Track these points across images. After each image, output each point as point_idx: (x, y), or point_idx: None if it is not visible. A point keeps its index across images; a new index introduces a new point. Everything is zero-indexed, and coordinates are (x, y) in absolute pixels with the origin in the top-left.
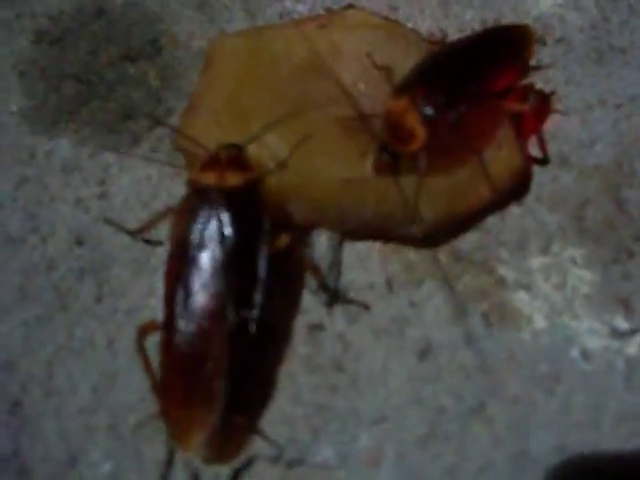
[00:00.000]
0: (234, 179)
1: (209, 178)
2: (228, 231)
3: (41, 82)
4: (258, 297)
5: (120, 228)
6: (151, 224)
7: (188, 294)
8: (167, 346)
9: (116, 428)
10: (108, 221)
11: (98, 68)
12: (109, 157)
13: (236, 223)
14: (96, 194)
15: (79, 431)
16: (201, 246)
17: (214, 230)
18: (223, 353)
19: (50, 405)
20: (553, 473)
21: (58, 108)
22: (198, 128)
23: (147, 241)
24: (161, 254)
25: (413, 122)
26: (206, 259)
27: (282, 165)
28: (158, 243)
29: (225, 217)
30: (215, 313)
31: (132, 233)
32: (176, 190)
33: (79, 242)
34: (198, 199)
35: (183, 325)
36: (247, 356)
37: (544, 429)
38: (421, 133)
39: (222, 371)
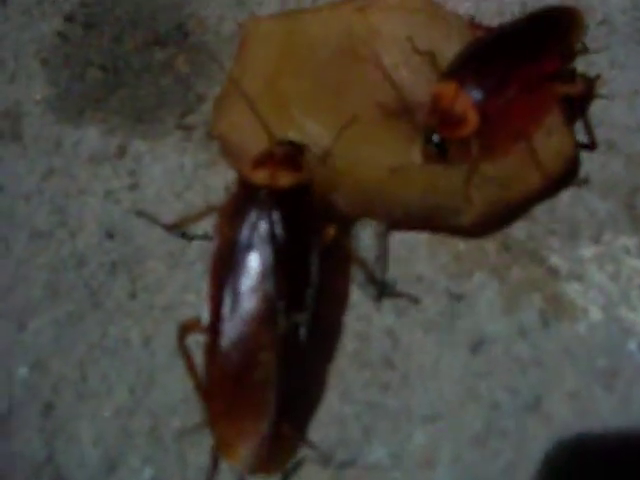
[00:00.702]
0: (287, 179)
1: (261, 177)
2: (279, 232)
3: (65, 70)
4: (310, 301)
5: (153, 221)
6: (189, 221)
7: (236, 297)
8: (213, 352)
9: (157, 431)
10: (140, 214)
11: (124, 54)
12: (140, 146)
13: (287, 224)
14: (126, 185)
15: (117, 435)
16: (250, 247)
17: (264, 231)
18: (273, 360)
19: (85, 408)
20: (614, 469)
21: (84, 96)
22: (234, 115)
23: (183, 234)
24: (197, 247)
25: (464, 106)
26: (255, 261)
27: (327, 153)
28: (194, 237)
29: (276, 217)
30: (265, 317)
31: (167, 227)
32: (211, 180)
33: (110, 235)
34: (248, 198)
35: (230, 330)
36: (298, 363)
37: (603, 425)
38: (473, 117)
39: (272, 379)
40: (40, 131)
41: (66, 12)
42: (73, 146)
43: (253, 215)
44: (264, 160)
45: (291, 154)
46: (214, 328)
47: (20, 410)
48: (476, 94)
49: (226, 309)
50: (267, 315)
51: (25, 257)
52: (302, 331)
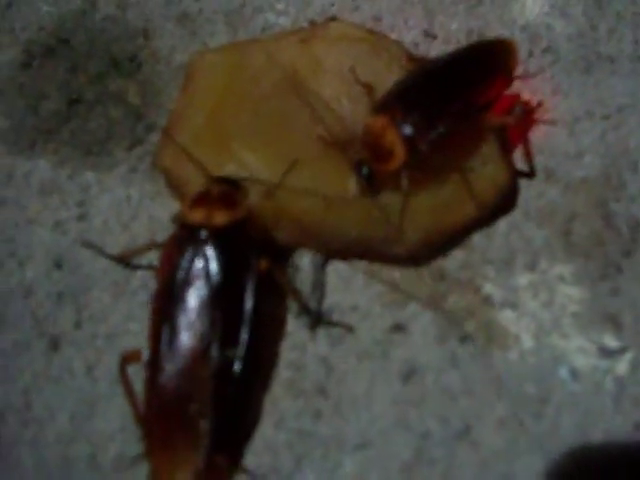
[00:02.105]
0: (222, 218)
1: (197, 216)
2: (214, 270)
3: (20, 101)
4: (244, 336)
5: (100, 252)
6: (133, 254)
7: (173, 332)
8: (151, 385)
9: (96, 458)
10: (87, 244)
11: (78, 86)
12: (89, 178)
13: (223, 262)
14: (75, 216)
15: (57, 461)
16: (187, 284)
17: (201, 268)
18: (208, 393)
19: (28, 434)
20: None
21: (37, 128)
22: (177, 147)
23: (127, 265)
24: (141, 277)
25: (392, 140)
26: (192, 297)
27: (270, 192)
28: (138, 267)
29: (212, 255)
30: (200, 352)
31: (112, 258)
32: (156, 211)
33: (58, 265)
34: (185, 236)
35: (168, 364)
36: (232, 395)
37: (531, 452)
38: (400, 152)
39: (207, 412)
40: None
41: (22, 43)
42: (24, 177)
43: (190, 253)
44: (200, 199)
45: (227, 192)
46: (153, 363)
47: None
48: (405, 128)
49: (164, 344)
50: (202, 350)
51: None
52: (236, 365)
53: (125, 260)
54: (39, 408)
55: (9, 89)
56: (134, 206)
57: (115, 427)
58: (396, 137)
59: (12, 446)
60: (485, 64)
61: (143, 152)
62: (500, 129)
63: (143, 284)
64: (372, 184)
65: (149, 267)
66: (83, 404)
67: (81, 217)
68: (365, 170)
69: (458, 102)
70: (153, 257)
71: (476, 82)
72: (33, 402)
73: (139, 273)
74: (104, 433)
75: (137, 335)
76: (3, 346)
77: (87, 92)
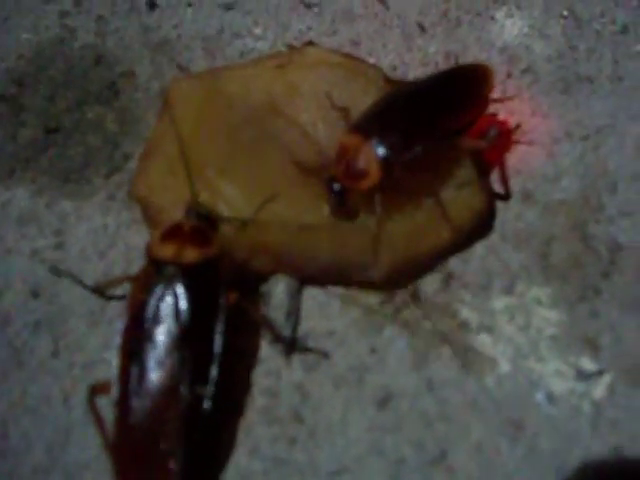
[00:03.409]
0: (193, 255)
1: (167, 251)
2: (184, 307)
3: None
4: (214, 374)
5: (77, 281)
6: (108, 285)
7: (142, 370)
8: (121, 424)
9: None
10: (62, 272)
11: (56, 114)
12: (66, 206)
13: (192, 299)
14: (52, 244)
15: None
16: (156, 320)
17: (170, 305)
18: (177, 432)
19: (4, 466)
20: None
21: (15, 156)
22: (153, 176)
23: (103, 295)
24: (116, 306)
25: (367, 160)
26: (161, 334)
27: (245, 224)
28: (113, 297)
29: (181, 292)
30: (169, 390)
31: (88, 288)
32: (132, 240)
33: (35, 295)
34: (155, 272)
35: (137, 403)
36: (202, 432)
37: (508, 477)
38: (375, 171)
39: (177, 450)
40: None
41: (1, 72)
42: (2, 207)
43: (159, 288)
44: (171, 233)
45: (199, 228)
46: (122, 401)
47: None
48: (380, 149)
49: (133, 383)
50: (171, 389)
51: None
52: (206, 404)
53: (101, 291)
54: (16, 439)
55: None
56: (111, 234)
57: (90, 456)
58: (371, 156)
59: None
60: (461, 88)
61: (121, 180)
62: (475, 152)
63: (119, 313)
64: (343, 202)
65: (124, 297)
66: (59, 434)
67: (58, 246)
68: (336, 187)
69: (434, 125)
70: (128, 287)
71: (452, 106)
72: (10, 433)
73: (115, 302)
74: (79, 462)
75: (112, 365)
76: None
77: (65, 120)
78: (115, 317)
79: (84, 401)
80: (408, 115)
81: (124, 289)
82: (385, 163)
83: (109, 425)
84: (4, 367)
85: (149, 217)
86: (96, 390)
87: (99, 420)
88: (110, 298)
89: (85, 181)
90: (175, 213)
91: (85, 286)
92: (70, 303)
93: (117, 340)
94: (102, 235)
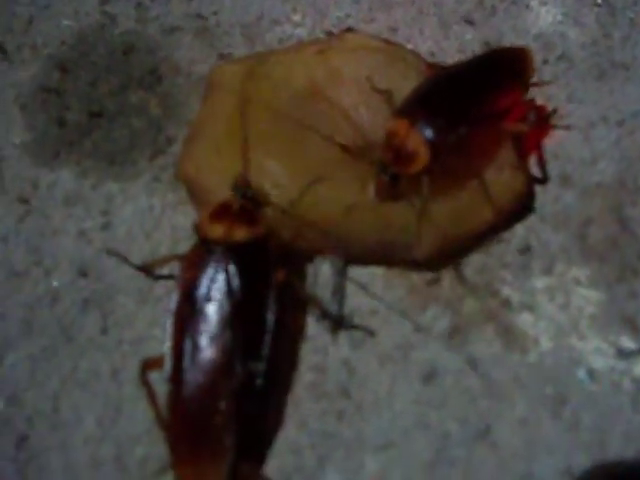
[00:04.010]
0: (242, 234)
1: (216, 231)
2: (235, 285)
3: (42, 114)
4: (266, 350)
5: (123, 260)
6: (155, 264)
7: (195, 347)
8: (175, 399)
9: (122, 460)
10: (111, 252)
11: (99, 98)
12: (112, 188)
13: (244, 277)
14: (99, 225)
15: (85, 463)
16: (208, 298)
17: (221, 283)
18: (231, 407)
19: (56, 438)
20: None
21: (59, 140)
22: (199, 157)
23: (150, 273)
24: (165, 283)
25: (415, 143)
26: (213, 312)
27: (292, 205)
28: (160, 277)
29: (233, 271)
30: (223, 367)
31: (136, 267)
32: (178, 221)
33: (82, 274)
34: (205, 251)
35: (190, 379)
36: (255, 408)
37: (550, 452)
38: (424, 154)
39: (231, 425)
40: (17, 174)
41: (45, 58)
42: (48, 188)
43: (211, 268)
44: (220, 213)
45: (247, 207)
46: (176, 376)
47: None
48: (427, 131)
49: (186, 359)
50: (225, 365)
51: (2, 295)
52: (259, 380)
53: (148, 269)
54: (67, 413)
55: (32, 103)
56: (157, 215)
57: (141, 429)
58: (419, 140)
59: (41, 450)
60: (503, 70)
61: (165, 162)
62: (516, 136)
63: (167, 292)
64: (395, 188)
65: (171, 276)
66: (109, 407)
67: (105, 226)
68: (389, 173)
69: (478, 106)
70: (175, 266)
71: (494, 88)
72: (61, 406)
73: (162, 281)
74: (130, 435)
75: (161, 340)
76: (31, 352)
77: (108, 104)
78: (163, 295)
79: (134, 376)
80: (452, 98)
81: (171, 268)
82: (433, 146)
83: (161, 400)
84: (54, 343)
85: (195, 198)
86: (148, 365)
87: (151, 394)
88: (158, 277)
89: (130, 163)
90: (221, 193)
91: (133, 265)
92: (118, 282)
93: (165, 318)
94: (148, 216)
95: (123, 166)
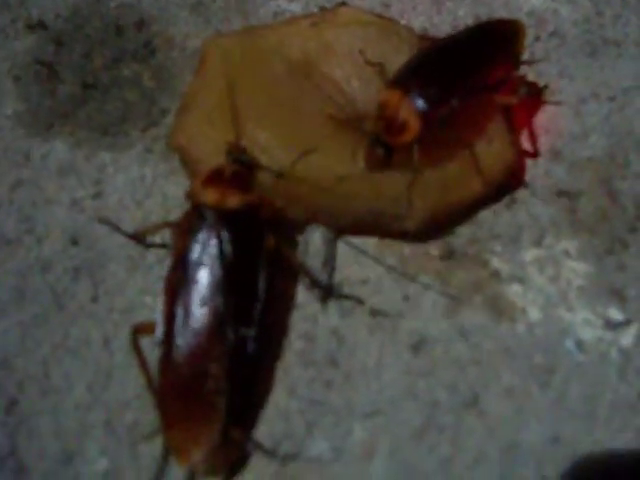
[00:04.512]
0: (235, 200)
1: (209, 197)
2: (228, 251)
3: (36, 86)
4: (257, 316)
5: (115, 228)
6: (147, 232)
7: (187, 312)
8: (166, 363)
9: (112, 425)
10: (103, 220)
11: (92, 71)
12: (105, 158)
13: (236, 243)
14: (91, 194)
15: (75, 428)
16: (200, 264)
17: (213, 249)
18: (223, 371)
19: (46, 403)
20: (546, 464)
21: (53, 111)
22: (191, 127)
23: (141, 242)
24: (156, 252)
25: (407, 113)
26: (205, 277)
27: (283, 174)
28: (152, 245)
29: (225, 237)
30: (214, 331)
31: (127, 235)
32: (169, 190)
33: (74, 242)
34: (198, 216)
35: (182, 343)
36: (246, 372)
37: (538, 421)
38: (415, 124)
39: (222, 389)
40: (10, 144)
41: (38, 30)
42: (42, 158)
43: (203, 233)
44: (213, 178)
45: (240, 173)
46: (167, 340)
47: None
48: (419, 102)
49: (178, 323)
50: (216, 329)
51: None
52: (250, 344)
53: (139, 237)
54: (58, 378)
55: (25, 74)
56: (148, 185)
57: (131, 395)
58: (411, 110)
59: (32, 415)
60: (495, 42)
61: (158, 134)
62: (506, 108)
63: (158, 259)
64: (386, 158)
65: (162, 245)
66: (100, 374)
67: (97, 195)
68: (381, 143)
69: (469, 78)
70: (166, 234)
71: (486, 59)
72: (52, 372)
73: (153, 249)
74: (120, 401)
75: (152, 308)
76: (22, 319)
77: (102, 77)
78: (154, 263)
79: (125, 344)
80: (444, 69)
81: (162, 236)
82: (424, 116)
83: (151, 365)
84: (45, 311)
85: (188, 167)
86: (139, 330)
87: (142, 359)
88: (149, 245)
89: (123, 134)
90: (213, 163)
91: (124, 233)
92: (109, 250)
93: (156, 285)
94: (140, 185)
95: (116, 137)
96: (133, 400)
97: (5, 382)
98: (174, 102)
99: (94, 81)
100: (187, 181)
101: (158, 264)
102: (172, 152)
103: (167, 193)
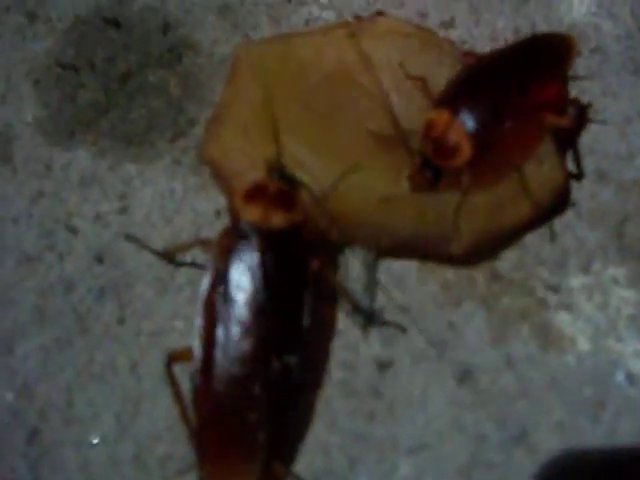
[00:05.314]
0: (280, 219)
1: (252, 214)
2: (271, 272)
3: (56, 91)
4: (301, 342)
5: (143, 246)
6: (177, 250)
7: (228, 337)
8: (204, 392)
9: (141, 458)
10: (130, 238)
11: (116, 77)
12: (130, 169)
13: (280, 264)
14: (116, 209)
15: (102, 461)
16: (242, 285)
17: (256, 270)
18: (265, 402)
19: (70, 433)
20: None
21: (75, 118)
22: (225, 140)
23: (171, 261)
24: (186, 272)
25: (458, 136)
26: (248, 300)
27: (325, 195)
28: (182, 264)
29: (268, 258)
30: (257, 359)
31: (156, 253)
32: (200, 205)
33: (99, 260)
34: (239, 234)
35: (222, 370)
36: (289, 403)
37: (590, 456)
38: (466, 148)
39: (264, 420)
40: (30, 154)
41: (58, 33)
42: (63, 169)
43: (245, 253)
44: (256, 194)
45: (285, 191)
46: (205, 368)
47: (5, 435)
48: (469, 123)
49: (218, 350)
50: (260, 356)
51: (13, 281)
52: (294, 372)
53: (169, 256)
54: (82, 407)
55: (45, 79)
56: (178, 199)
57: (161, 426)
58: (461, 132)
59: (55, 446)
60: (546, 58)
61: (186, 145)
62: (557, 130)
63: (189, 280)
64: (436, 180)
65: (193, 264)
66: (127, 403)
67: (122, 210)
68: (429, 165)
69: (521, 97)
70: (198, 253)
71: (538, 76)
72: (75, 400)
73: (184, 269)
74: (150, 433)
75: (182, 333)
76: (44, 341)
77: (126, 83)
78: (185, 284)
79: (153, 370)
80: (494, 87)
81: (194, 255)
82: (475, 139)
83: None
84: (68, 333)
85: (221, 182)
86: (174, 357)
87: (176, 389)
88: (179, 264)
89: (149, 145)
90: (249, 177)
91: (153, 251)
92: (136, 269)
93: (187, 308)
94: (168, 200)
95: (142, 147)
96: (164, 432)
97: (26, 410)
98: (202, 111)
99: (118, 87)
100: (219, 196)
101: (189, 285)
102: (202, 165)
103: (198, 209)
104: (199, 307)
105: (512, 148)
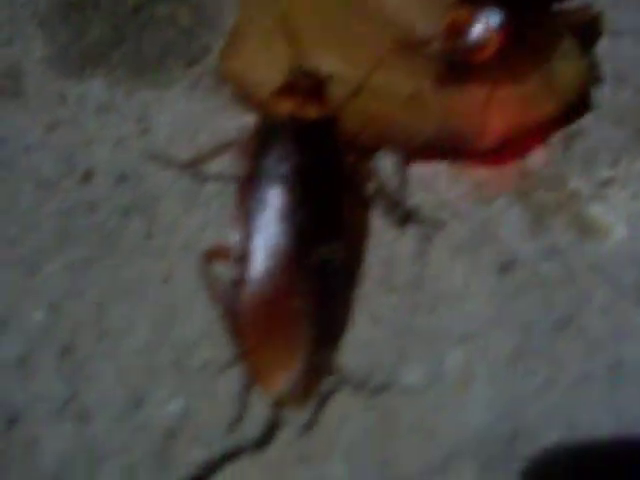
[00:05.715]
0: (313, 111)
1: (286, 107)
2: (306, 164)
3: (64, 28)
4: (340, 233)
5: (168, 162)
6: (205, 158)
7: (266, 230)
8: (244, 283)
9: (181, 365)
10: (154, 157)
11: (124, 12)
12: (146, 95)
13: (314, 156)
14: (137, 132)
15: (140, 371)
16: (276, 180)
17: (291, 163)
18: (310, 289)
19: (104, 347)
20: None
21: (84, 53)
22: (247, 52)
23: (196, 175)
24: (212, 187)
25: (483, 29)
26: (284, 193)
27: (356, 92)
28: (208, 177)
29: (303, 150)
30: (297, 249)
31: (182, 167)
32: (222, 124)
33: (122, 180)
34: (272, 130)
35: (263, 262)
36: (332, 293)
37: (637, 338)
38: (492, 41)
39: (308, 308)
40: (42, 87)
41: None
42: (78, 98)
43: (278, 147)
44: (287, 90)
45: (316, 85)
46: (246, 261)
47: (38, 353)
48: (493, 17)
49: (258, 240)
50: (299, 247)
51: (32, 206)
52: (335, 260)
53: (196, 166)
54: (115, 320)
55: (50, 19)
56: (198, 119)
57: (198, 334)
58: (487, 26)
59: (88, 360)
60: None
61: (202, 71)
62: (579, 24)
63: (215, 194)
64: (459, 76)
65: (219, 177)
66: (162, 313)
67: (143, 132)
68: (454, 60)
69: None
70: (224, 167)
71: None
72: (107, 315)
73: (210, 183)
74: (188, 340)
75: (213, 243)
76: (69, 262)
77: (135, 17)
78: (212, 198)
79: (186, 281)
80: None
81: (218, 168)
82: (500, 32)
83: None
84: (94, 252)
85: (244, 95)
86: (211, 255)
87: (214, 288)
88: (205, 178)
89: (164, 71)
90: (274, 86)
91: (179, 165)
92: (161, 187)
93: (218, 219)
94: (189, 120)
95: (157, 74)
96: (202, 338)
97: (56, 327)
98: (215, 39)
99: (126, 22)
100: (241, 115)
101: (218, 197)
102: (221, 87)
103: (219, 128)
104: (235, 198)
105: (534, 46)
